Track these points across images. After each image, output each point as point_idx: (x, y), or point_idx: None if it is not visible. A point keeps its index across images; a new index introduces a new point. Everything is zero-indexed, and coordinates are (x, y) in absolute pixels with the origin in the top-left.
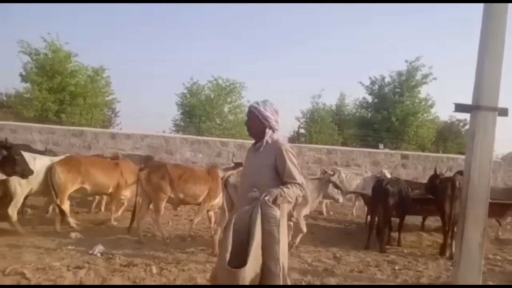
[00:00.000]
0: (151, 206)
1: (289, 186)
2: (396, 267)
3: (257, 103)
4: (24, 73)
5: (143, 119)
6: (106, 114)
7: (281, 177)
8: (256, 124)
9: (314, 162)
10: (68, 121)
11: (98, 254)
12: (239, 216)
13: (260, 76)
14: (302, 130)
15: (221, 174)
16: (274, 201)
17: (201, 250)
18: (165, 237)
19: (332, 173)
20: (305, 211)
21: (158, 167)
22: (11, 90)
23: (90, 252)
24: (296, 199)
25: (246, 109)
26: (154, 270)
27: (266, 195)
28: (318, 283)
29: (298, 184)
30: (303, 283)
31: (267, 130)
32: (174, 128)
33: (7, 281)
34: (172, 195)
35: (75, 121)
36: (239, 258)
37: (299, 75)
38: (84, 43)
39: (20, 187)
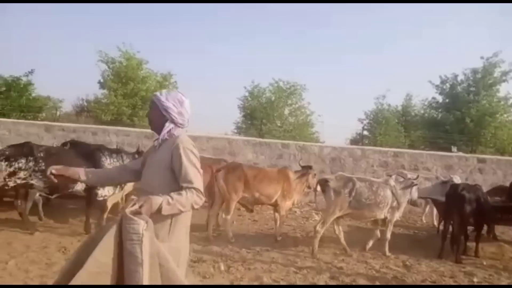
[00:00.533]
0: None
1: (182, 191)
2: (475, 279)
3: (160, 93)
4: (102, 80)
5: (206, 122)
6: None
7: (177, 179)
8: (157, 116)
9: (379, 165)
10: (139, 124)
11: None
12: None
13: (321, 78)
14: (365, 132)
15: (291, 175)
16: (147, 211)
17: (266, 250)
18: (230, 236)
19: (415, 176)
20: (397, 215)
21: (235, 168)
22: (91, 96)
23: None
24: (193, 207)
25: (307, 111)
26: (222, 267)
27: (132, 204)
28: None
29: (195, 189)
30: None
31: (167, 123)
32: (236, 131)
33: None
34: (247, 195)
35: (146, 124)
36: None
37: (362, 75)
38: (153, 50)
39: None
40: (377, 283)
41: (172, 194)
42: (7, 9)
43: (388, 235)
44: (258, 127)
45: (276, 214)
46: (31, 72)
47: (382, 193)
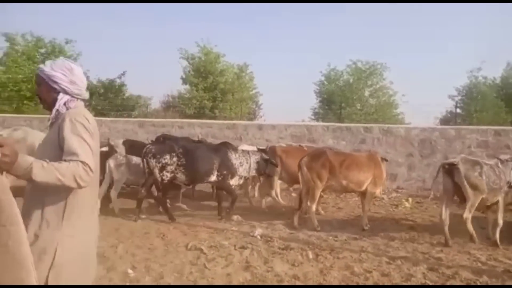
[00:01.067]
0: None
1: (62, 162)
2: None
3: (44, 64)
4: (184, 76)
5: (284, 110)
6: (251, 107)
7: None
8: (46, 90)
9: (478, 146)
10: (220, 116)
11: (258, 236)
12: None
13: (402, 54)
14: (458, 110)
15: (382, 161)
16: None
17: (353, 238)
18: (316, 225)
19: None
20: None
21: (319, 154)
22: (175, 92)
23: (251, 234)
24: (78, 182)
25: (389, 92)
26: (310, 255)
27: None
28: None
29: (82, 162)
30: (478, 284)
31: (60, 95)
32: (313, 117)
33: (190, 255)
34: (334, 183)
35: (227, 115)
36: None
37: (451, 49)
38: (229, 43)
39: None
40: (485, 277)
41: (50, 162)
42: (112, 15)
43: (501, 222)
44: (337, 112)
45: (363, 201)
46: (123, 74)
47: (503, 176)
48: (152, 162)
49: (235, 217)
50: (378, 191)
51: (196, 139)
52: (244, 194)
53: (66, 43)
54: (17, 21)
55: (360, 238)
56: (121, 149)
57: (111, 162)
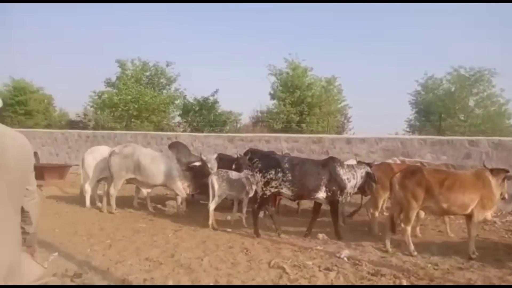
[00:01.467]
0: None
1: None
2: None
3: None
4: (272, 92)
5: (375, 122)
6: (339, 120)
7: None
8: None
9: None
10: (307, 130)
11: (345, 258)
12: None
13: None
14: None
15: (492, 179)
16: None
17: (458, 268)
18: (412, 249)
19: None
20: None
21: (413, 171)
22: (263, 107)
23: (338, 255)
24: None
25: (500, 100)
26: (404, 283)
27: None
28: None
29: None
30: None
31: None
32: (408, 129)
33: (272, 273)
34: (432, 204)
35: (313, 129)
36: None
37: None
38: (317, 57)
39: None
40: None
41: None
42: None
43: None
44: (436, 123)
45: (469, 225)
46: (216, 91)
47: None
48: (258, 176)
49: (320, 235)
50: (488, 214)
51: (281, 153)
52: None
53: (167, 65)
54: (128, 47)
55: (467, 269)
56: (212, 164)
57: (213, 178)
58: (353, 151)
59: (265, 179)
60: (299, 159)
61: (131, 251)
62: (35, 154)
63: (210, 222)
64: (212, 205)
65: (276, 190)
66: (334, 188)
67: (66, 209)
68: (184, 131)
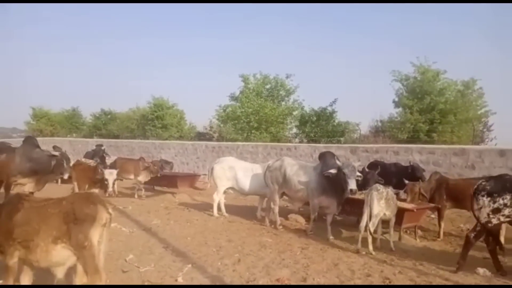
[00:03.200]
0: None
1: None
2: None
3: None
4: (396, 99)
5: None
6: (477, 129)
7: None
8: None
9: None
10: (439, 140)
11: None
12: None
13: None
14: None
15: None
16: None
17: None
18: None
19: None
20: None
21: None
22: (384, 117)
23: None
24: None
25: None
26: None
27: None
28: None
29: None
30: None
31: None
32: None
33: None
34: None
35: (446, 139)
36: None
37: None
38: (453, 58)
39: None
40: None
41: None
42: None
43: None
44: None
45: None
46: (335, 101)
47: None
48: (484, 200)
49: (481, 270)
50: None
51: (408, 164)
52: None
53: (287, 77)
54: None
55: None
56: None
57: (374, 194)
58: (508, 166)
59: (495, 205)
60: None
61: (260, 268)
62: (168, 163)
63: (370, 248)
64: (371, 226)
65: (508, 220)
66: None
67: (196, 217)
68: (300, 142)
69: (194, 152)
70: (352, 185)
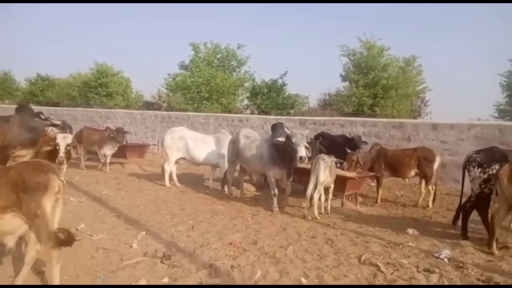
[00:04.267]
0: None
1: None
2: None
3: None
4: (343, 73)
5: (457, 107)
6: (415, 104)
7: None
8: None
9: None
10: (381, 114)
11: (446, 260)
12: None
13: None
14: None
15: None
16: None
17: None
18: None
19: None
20: None
21: None
22: (332, 90)
23: (436, 255)
24: None
25: None
26: None
27: None
28: None
29: None
30: None
31: None
32: (496, 115)
33: (365, 270)
34: None
35: (388, 113)
36: None
37: None
38: (395, 36)
39: None
40: None
41: None
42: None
43: None
44: None
45: None
46: (285, 74)
47: None
48: (475, 171)
49: (410, 230)
50: None
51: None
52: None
53: (238, 47)
54: (200, 30)
55: None
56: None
57: (321, 163)
58: (439, 138)
59: (486, 176)
60: None
61: (213, 234)
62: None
63: (315, 213)
64: (316, 194)
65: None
66: None
67: (147, 187)
68: (251, 113)
69: (143, 122)
70: (301, 152)
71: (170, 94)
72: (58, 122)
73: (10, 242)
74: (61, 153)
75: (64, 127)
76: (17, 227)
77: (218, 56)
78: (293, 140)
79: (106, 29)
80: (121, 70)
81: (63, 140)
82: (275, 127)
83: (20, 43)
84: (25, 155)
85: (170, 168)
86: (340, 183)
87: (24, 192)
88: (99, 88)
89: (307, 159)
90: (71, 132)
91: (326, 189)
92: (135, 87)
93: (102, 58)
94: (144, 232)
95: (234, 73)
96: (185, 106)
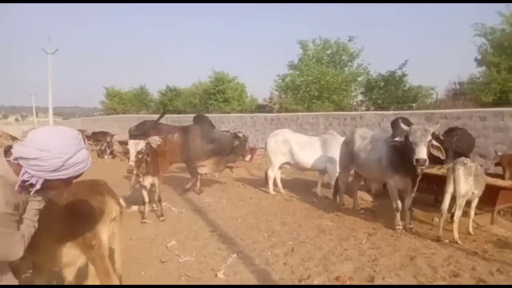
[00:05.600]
0: None
1: None
2: None
3: None
4: (479, 57)
5: None
6: None
7: None
8: None
9: None
10: None
11: None
12: None
13: None
14: None
15: None
16: None
17: None
18: None
19: None
20: None
21: None
22: (464, 78)
23: None
24: None
25: None
26: None
27: None
28: None
29: None
30: None
31: None
32: None
33: None
34: None
35: None
36: None
37: None
38: None
39: None
40: None
41: None
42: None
43: None
44: None
45: None
46: (405, 63)
47: None
48: None
49: None
50: None
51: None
52: None
53: (349, 40)
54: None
55: None
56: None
57: (461, 169)
58: None
59: None
60: None
61: (316, 261)
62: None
63: (455, 235)
64: (457, 211)
65: None
66: None
67: (250, 195)
68: (367, 109)
69: (253, 124)
70: (419, 153)
71: (282, 96)
72: (240, 135)
73: (69, 275)
74: (131, 161)
75: (245, 139)
76: (76, 258)
77: (328, 51)
78: (410, 138)
79: (222, 36)
80: (236, 76)
81: (134, 146)
82: (396, 124)
83: (152, 58)
84: (205, 164)
85: (274, 174)
86: (490, 193)
87: (78, 219)
88: (217, 94)
89: (427, 162)
90: (248, 144)
91: (468, 202)
92: (250, 91)
93: (220, 66)
94: (235, 255)
95: (346, 68)
96: (295, 107)
